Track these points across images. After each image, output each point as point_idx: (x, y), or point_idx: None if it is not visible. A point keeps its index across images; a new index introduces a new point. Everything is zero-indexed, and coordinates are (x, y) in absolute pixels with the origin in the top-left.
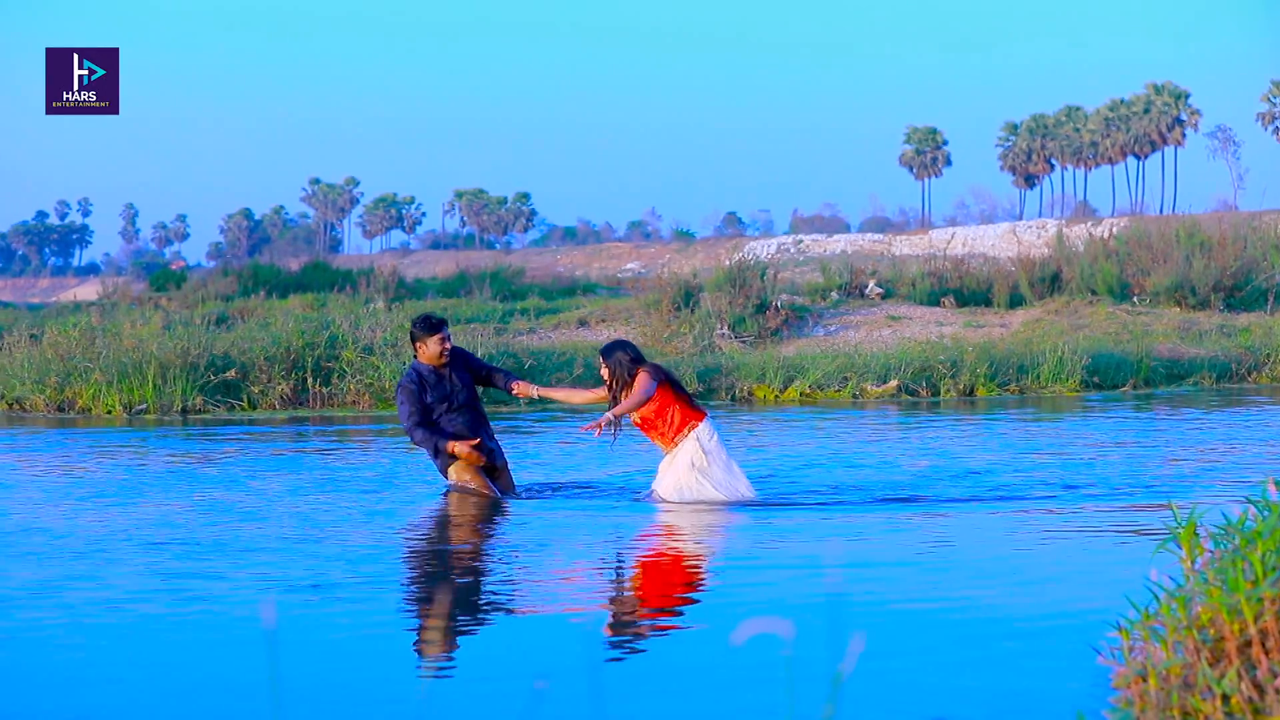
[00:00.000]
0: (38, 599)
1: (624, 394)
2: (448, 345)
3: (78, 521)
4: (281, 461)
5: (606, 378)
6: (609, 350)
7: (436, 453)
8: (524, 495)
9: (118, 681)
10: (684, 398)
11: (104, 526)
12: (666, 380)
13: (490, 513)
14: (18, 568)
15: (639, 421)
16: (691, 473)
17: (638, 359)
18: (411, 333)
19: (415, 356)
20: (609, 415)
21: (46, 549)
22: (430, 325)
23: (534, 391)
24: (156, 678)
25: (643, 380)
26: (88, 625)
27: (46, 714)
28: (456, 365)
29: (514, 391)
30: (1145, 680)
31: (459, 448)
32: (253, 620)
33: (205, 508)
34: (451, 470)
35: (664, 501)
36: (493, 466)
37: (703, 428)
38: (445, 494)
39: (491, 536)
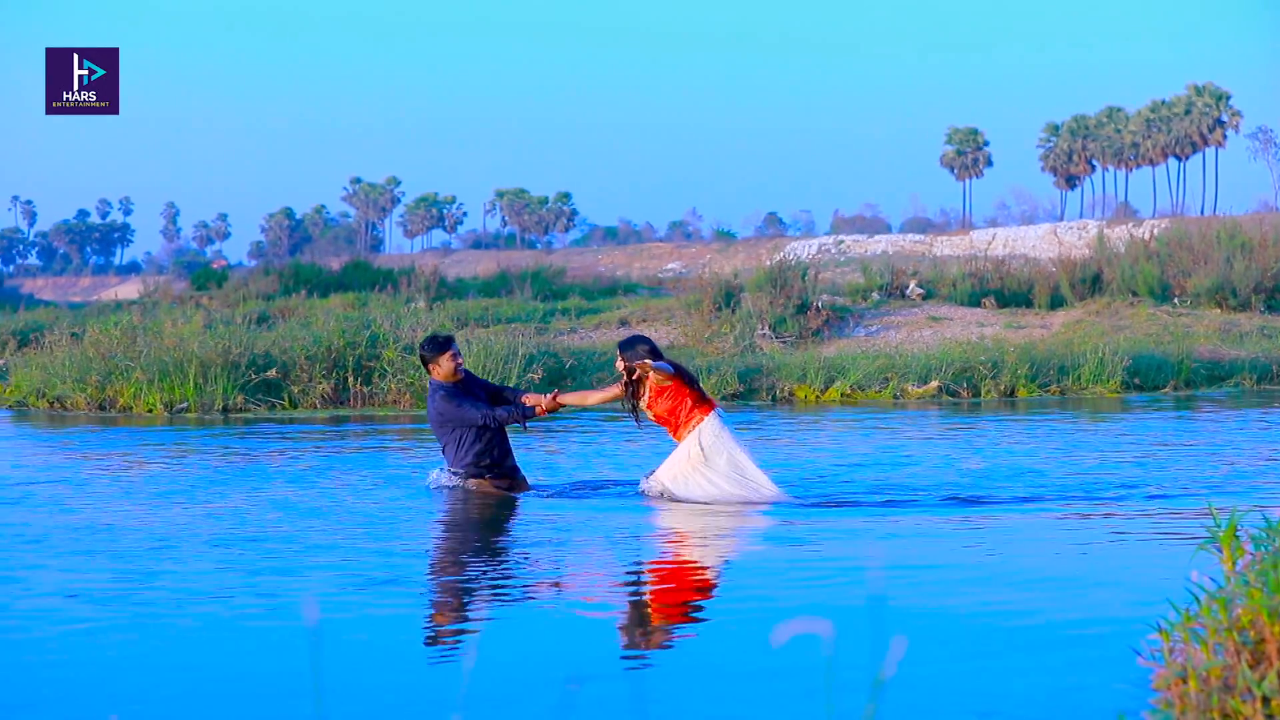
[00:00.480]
0: (115, 596)
1: (641, 389)
2: (460, 360)
3: (146, 519)
4: (339, 460)
5: (623, 370)
6: (628, 344)
7: (524, 417)
8: (577, 494)
9: (210, 680)
10: (696, 393)
11: (173, 523)
12: (681, 375)
13: (544, 513)
14: (94, 565)
15: (656, 417)
16: (688, 464)
17: (655, 352)
18: (422, 356)
19: (430, 378)
20: (646, 362)
21: (119, 546)
22: (438, 344)
23: (545, 401)
24: (244, 674)
25: (663, 365)
26: (167, 622)
27: (140, 709)
28: (471, 383)
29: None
30: (1185, 682)
31: (543, 404)
32: (328, 618)
33: (275, 505)
34: (472, 481)
35: (663, 486)
36: (513, 482)
37: (707, 424)
38: (438, 492)
39: (544, 536)
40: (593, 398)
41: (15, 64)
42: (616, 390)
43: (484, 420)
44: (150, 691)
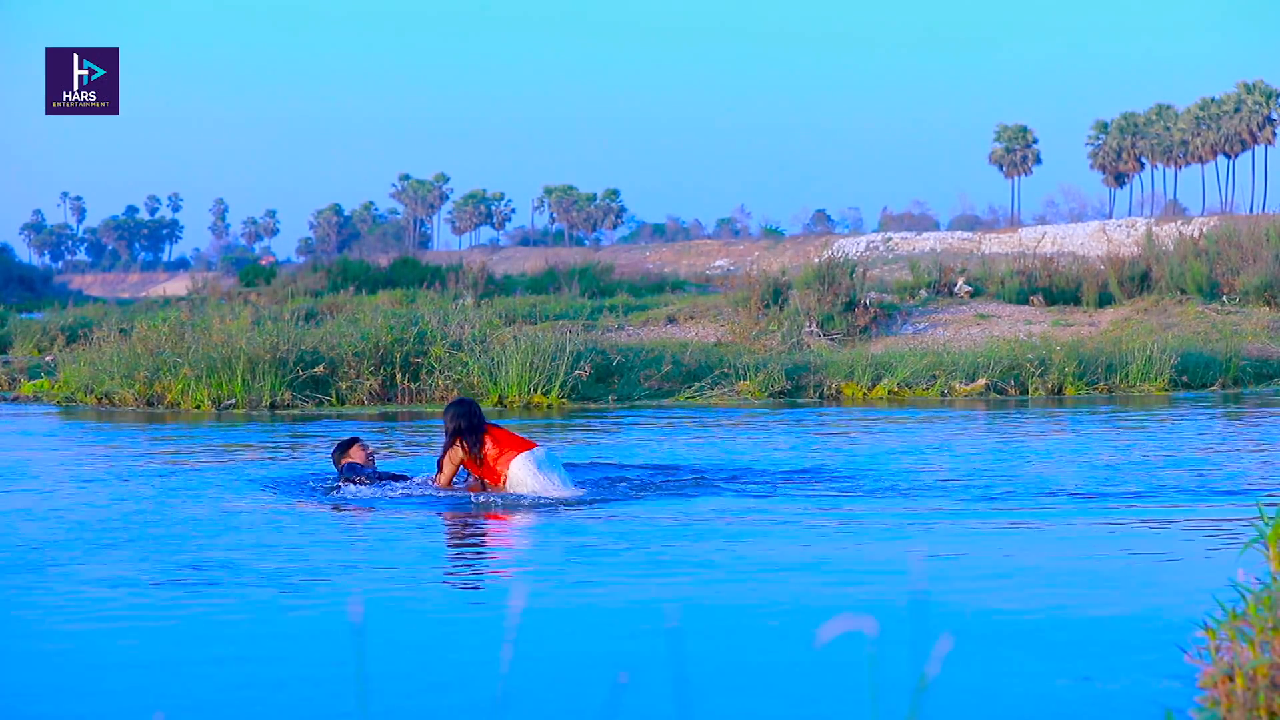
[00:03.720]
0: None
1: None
2: (369, 449)
3: (193, 512)
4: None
5: (452, 429)
6: (458, 410)
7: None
8: (616, 487)
9: (254, 679)
10: (511, 440)
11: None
12: (472, 441)
13: (578, 512)
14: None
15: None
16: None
17: (474, 414)
18: (335, 457)
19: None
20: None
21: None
22: (345, 444)
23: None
24: (287, 672)
25: (452, 454)
26: (210, 619)
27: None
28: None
29: None
30: (1232, 680)
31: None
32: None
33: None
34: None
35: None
36: None
37: (518, 465)
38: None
39: (579, 534)
40: (440, 480)
41: (15, 64)
42: (450, 466)
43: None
44: (197, 691)
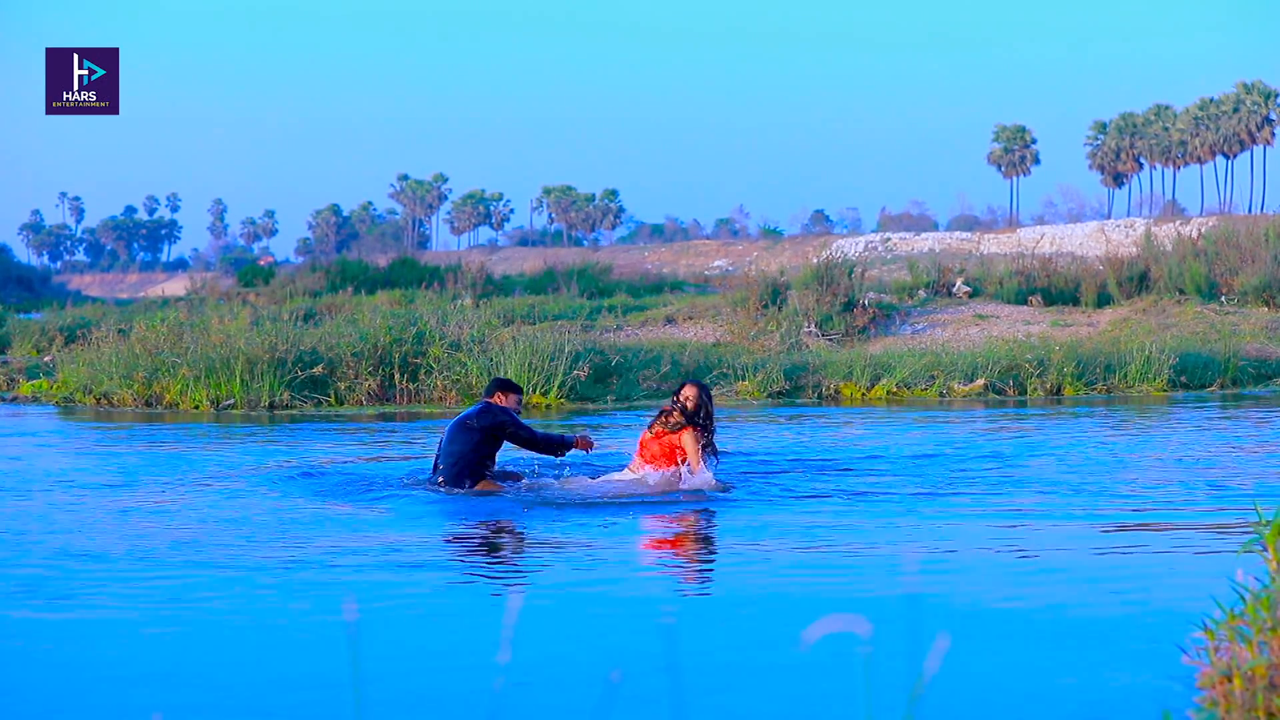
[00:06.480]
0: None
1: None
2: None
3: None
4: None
5: (692, 403)
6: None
7: (564, 446)
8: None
9: (252, 680)
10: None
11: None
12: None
13: (602, 510)
14: (144, 562)
15: (658, 452)
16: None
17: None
18: (491, 387)
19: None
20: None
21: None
22: (513, 386)
23: (586, 444)
24: (282, 673)
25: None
26: (209, 621)
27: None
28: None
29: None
30: (1230, 680)
31: (586, 445)
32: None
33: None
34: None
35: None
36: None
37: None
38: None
39: (590, 531)
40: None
41: (15, 64)
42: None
43: (538, 439)
44: (195, 690)
